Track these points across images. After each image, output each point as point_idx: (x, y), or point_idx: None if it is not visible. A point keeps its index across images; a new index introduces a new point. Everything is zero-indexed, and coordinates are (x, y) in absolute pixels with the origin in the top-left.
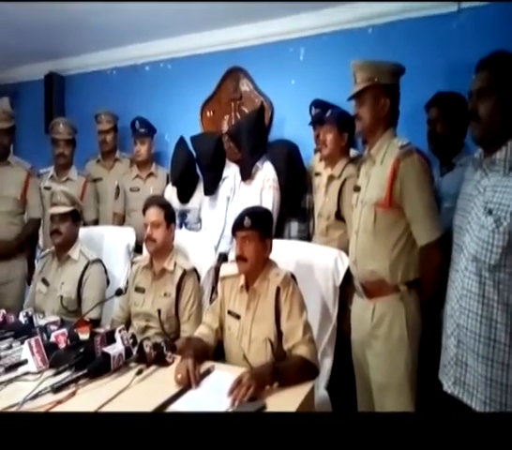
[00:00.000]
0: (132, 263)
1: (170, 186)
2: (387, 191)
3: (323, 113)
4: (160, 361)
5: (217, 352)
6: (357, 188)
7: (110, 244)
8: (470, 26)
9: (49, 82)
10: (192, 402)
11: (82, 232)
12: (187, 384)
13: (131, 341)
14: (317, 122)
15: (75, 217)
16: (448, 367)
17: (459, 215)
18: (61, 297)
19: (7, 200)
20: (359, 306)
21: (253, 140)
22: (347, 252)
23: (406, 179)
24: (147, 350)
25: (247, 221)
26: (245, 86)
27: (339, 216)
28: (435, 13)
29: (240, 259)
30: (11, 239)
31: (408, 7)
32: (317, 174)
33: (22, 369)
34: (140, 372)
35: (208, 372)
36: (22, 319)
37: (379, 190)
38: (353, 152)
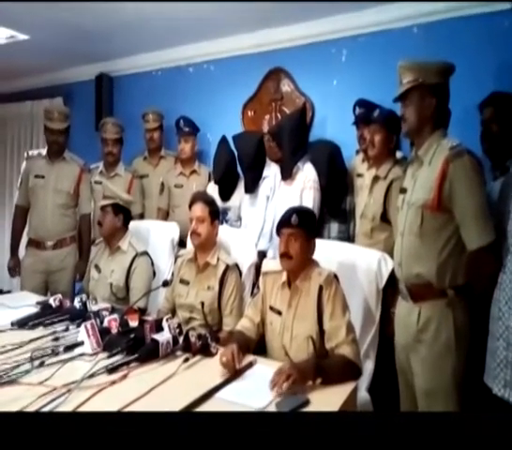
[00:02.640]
0: (176, 257)
1: (212, 183)
2: (436, 193)
3: (367, 113)
4: (205, 351)
5: (258, 347)
6: (403, 190)
7: (155, 237)
8: None
9: (99, 83)
10: (236, 393)
11: (130, 225)
12: (231, 368)
13: (177, 331)
14: (361, 122)
15: (116, 211)
16: (498, 370)
17: (509, 218)
18: (111, 284)
19: (62, 193)
20: (404, 309)
21: (294, 140)
22: (392, 255)
23: (456, 181)
24: (193, 339)
25: (294, 219)
26: (286, 87)
27: (385, 218)
28: (486, 11)
29: (285, 256)
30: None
31: (456, 5)
32: (359, 175)
33: (78, 350)
34: (186, 360)
35: (251, 365)
36: (76, 304)
37: (426, 192)
38: (398, 154)
